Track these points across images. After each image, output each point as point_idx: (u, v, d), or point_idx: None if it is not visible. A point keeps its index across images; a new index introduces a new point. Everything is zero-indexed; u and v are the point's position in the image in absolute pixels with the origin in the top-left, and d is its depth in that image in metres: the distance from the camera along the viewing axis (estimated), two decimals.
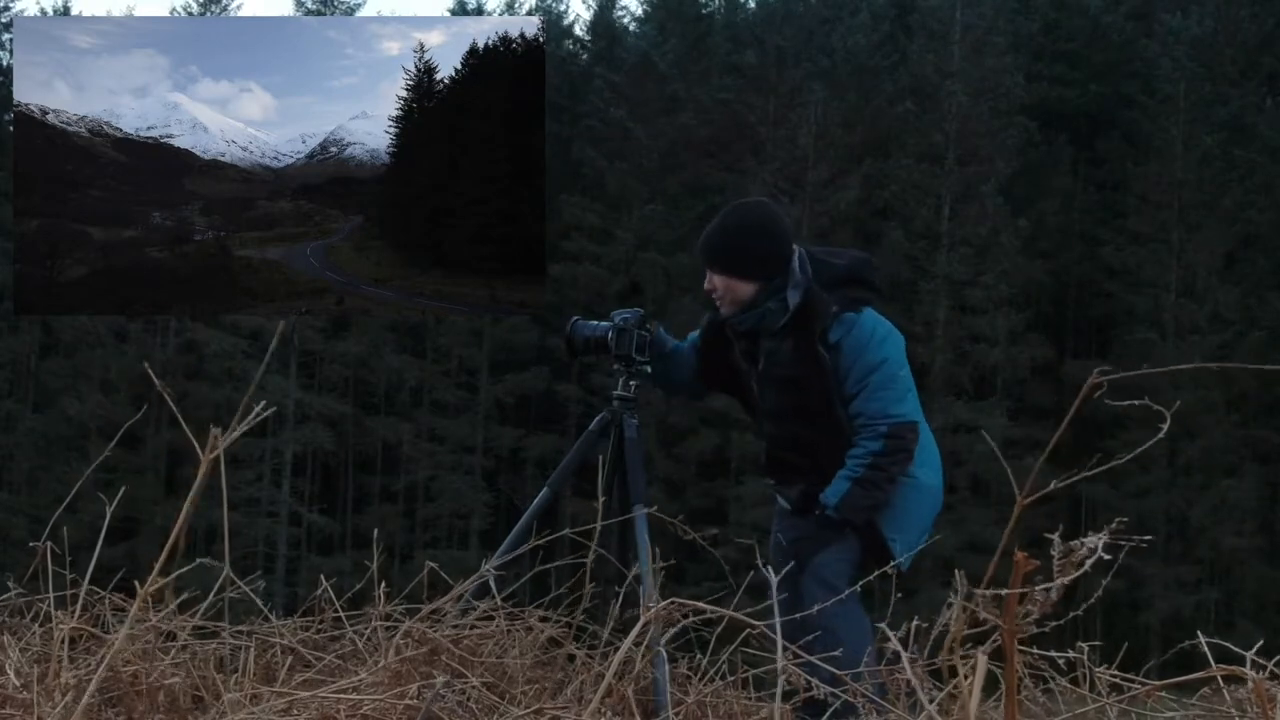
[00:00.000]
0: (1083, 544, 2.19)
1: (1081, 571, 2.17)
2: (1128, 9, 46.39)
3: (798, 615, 3.46)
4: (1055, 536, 2.29)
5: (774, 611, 2.97)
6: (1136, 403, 2.58)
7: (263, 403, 3.08)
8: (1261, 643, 2.90)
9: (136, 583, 3.29)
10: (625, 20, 50.88)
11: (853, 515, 4.22)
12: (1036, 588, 2.23)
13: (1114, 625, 32.88)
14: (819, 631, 3.70)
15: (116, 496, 3.65)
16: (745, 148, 41.58)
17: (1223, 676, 2.80)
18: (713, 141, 42.62)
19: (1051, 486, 2.48)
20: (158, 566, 3.13)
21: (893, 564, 4.04)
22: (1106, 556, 2.19)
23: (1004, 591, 2.21)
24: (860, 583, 3.95)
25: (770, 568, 3.36)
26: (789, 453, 4.43)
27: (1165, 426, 2.46)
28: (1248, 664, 2.69)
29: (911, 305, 38.49)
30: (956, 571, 2.54)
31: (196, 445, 3.09)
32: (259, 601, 3.78)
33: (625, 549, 4.27)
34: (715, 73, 44.40)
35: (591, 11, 51.62)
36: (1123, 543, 2.31)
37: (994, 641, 2.50)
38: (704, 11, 48.97)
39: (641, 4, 50.47)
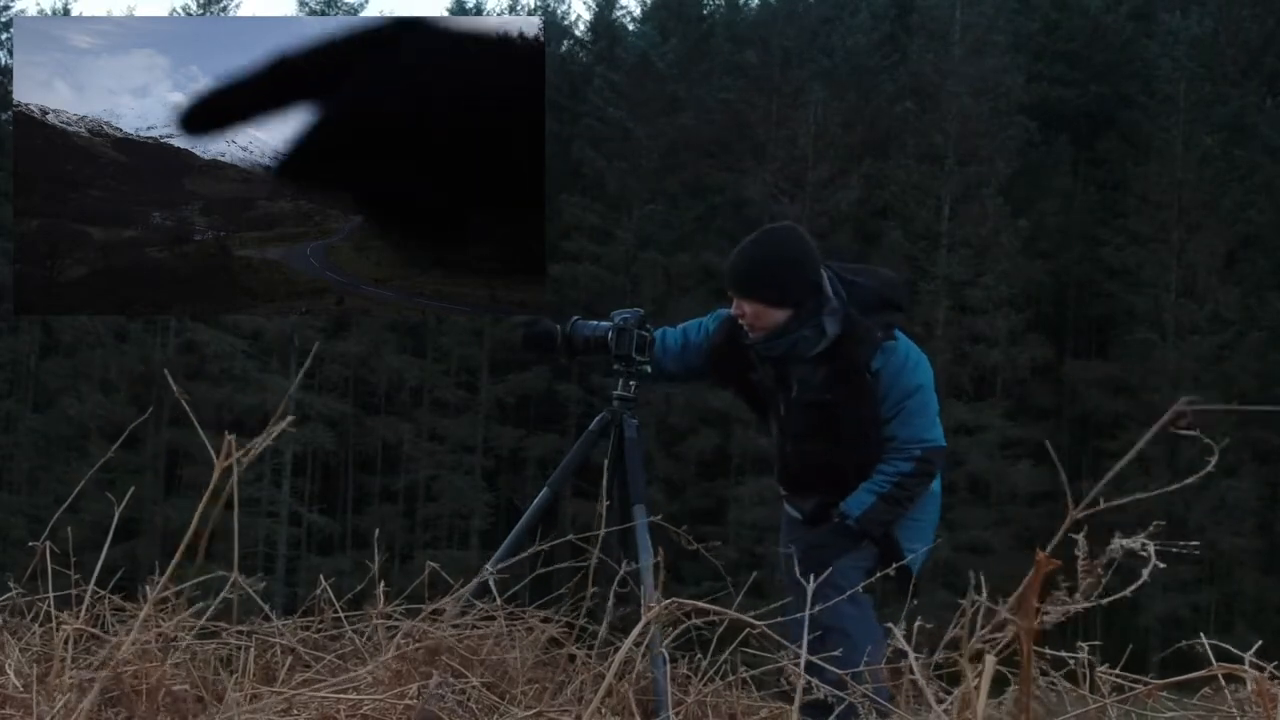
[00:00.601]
0: (1120, 546, 2.17)
1: (1140, 583, 2.15)
2: (1128, 9, 46.36)
3: (804, 616, 3.46)
4: (1079, 537, 2.28)
5: (792, 621, 2.97)
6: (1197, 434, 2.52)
7: (288, 417, 3.08)
8: (1260, 643, 2.90)
9: (147, 586, 3.28)
10: (625, 20, 50.86)
11: (872, 529, 4.28)
12: (1086, 606, 2.21)
13: (1114, 625, 32.88)
14: (832, 633, 3.73)
15: (124, 498, 3.65)
16: (745, 148, 41.56)
17: (1223, 676, 2.80)
18: (713, 141, 42.63)
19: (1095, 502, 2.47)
20: (168, 571, 3.13)
21: (897, 564, 4.05)
22: (1162, 565, 2.18)
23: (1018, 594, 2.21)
24: (866, 584, 3.98)
25: (786, 577, 3.38)
26: (810, 471, 4.44)
27: (1213, 460, 2.44)
28: (1247, 664, 2.69)
29: (911, 306, 38.46)
30: (971, 574, 2.55)
31: (212, 451, 3.09)
32: (261, 602, 3.78)
33: (625, 549, 4.27)
34: (715, 73, 44.38)
35: (591, 11, 51.55)
36: (1170, 549, 2.30)
37: (994, 643, 2.50)
38: (704, 11, 48.94)
39: (640, 4, 50.44)
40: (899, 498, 4.26)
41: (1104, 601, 2.24)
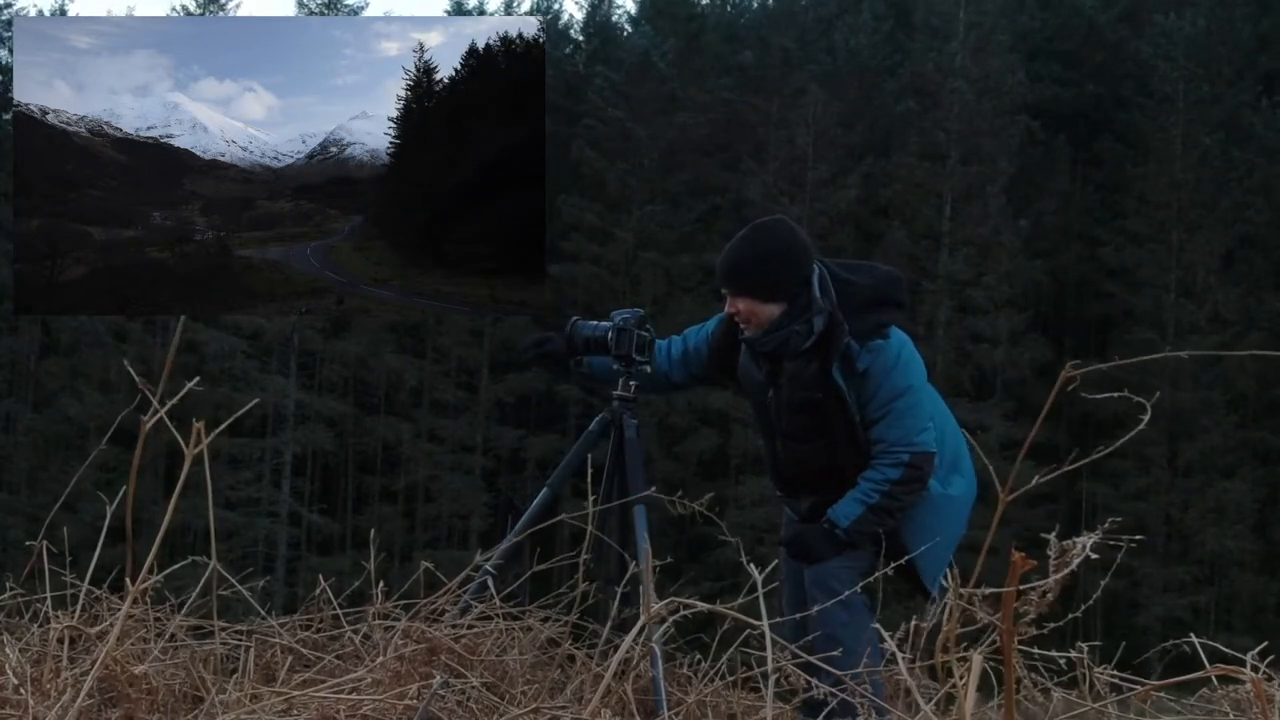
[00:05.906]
0: (1075, 543, 2.19)
1: (1068, 571, 2.18)
2: (1122, 9, 46.34)
3: (798, 616, 3.47)
4: (1051, 536, 2.29)
5: (776, 617, 2.98)
6: (1116, 395, 2.63)
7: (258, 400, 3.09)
8: (1265, 644, 2.90)
9: (128, 580, 3.29)
10: (622, 20, 50.82)
11: (859, 540, 4.23)
12: (1032, 587, 2.24)
13: (1113, 625, 32.87)
14: (823, 640, 3.71)
15: (117, 496, 3.65)
16: (745, 148, 41.55)
17: (1219, 677, 2.81)
18: (712, 141, 42.61)
19: (1034, 483, 2.52)
20: (148, 563, 3.13)
21: (896, 564, 4.02)
22: (1094, 555, 2.20)
23: (1001, 590, 2.22)
24: (863, 584, 3.97)
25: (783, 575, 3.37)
26: (802, 471, 4.41)
27: (1145, 418, 2.49)
28: (1247, 665, 2.70)
29: (913, 305, 38.44)
30: (948, 570, 2.55)
31: (181, 442, 3.10)
32: (251, 599, 3.78)
33: (624, 549, 4.27)
34: (715, 72, 44.36)
35: (584, 11, 51.37)
36: (1116, 543, 2.33)
37: (991, 642, 2.50)
38: (704, 11, 48.92)
39: (635, 2, 50.33)
40: (888, 508, 4.19)
41: (1041, 587, 2.25)
